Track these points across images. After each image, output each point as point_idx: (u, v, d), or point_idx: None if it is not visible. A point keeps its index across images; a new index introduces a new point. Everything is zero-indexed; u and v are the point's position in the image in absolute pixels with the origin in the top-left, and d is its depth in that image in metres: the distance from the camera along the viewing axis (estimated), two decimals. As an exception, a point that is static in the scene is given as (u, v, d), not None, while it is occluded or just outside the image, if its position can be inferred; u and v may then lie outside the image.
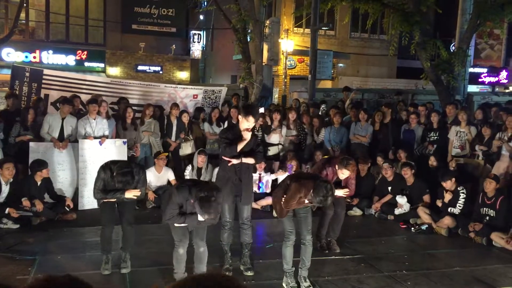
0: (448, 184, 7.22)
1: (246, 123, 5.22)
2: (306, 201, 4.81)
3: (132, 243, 5.41)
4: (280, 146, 9.41)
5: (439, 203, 7.38)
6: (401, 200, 7.75)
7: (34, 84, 9.42)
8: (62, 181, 8.07)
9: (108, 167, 5.16)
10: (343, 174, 5.58)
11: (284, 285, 5.01)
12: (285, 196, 4.86)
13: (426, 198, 7.70)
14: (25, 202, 6.88)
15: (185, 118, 9.36)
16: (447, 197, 7.22)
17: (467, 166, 8.46)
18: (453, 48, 14.15)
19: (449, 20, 16.09)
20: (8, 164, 6.88)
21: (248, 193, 5.41)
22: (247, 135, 5.25)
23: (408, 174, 7.83)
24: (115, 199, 5.19)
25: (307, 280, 4.98)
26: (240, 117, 5.33)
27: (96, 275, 5.17)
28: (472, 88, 17.99)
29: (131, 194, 5.14)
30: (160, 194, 8.10)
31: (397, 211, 7.80)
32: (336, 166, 5.62)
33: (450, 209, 7.17)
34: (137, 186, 5.21)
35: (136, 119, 8.91)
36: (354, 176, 6.05)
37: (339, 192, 5.50)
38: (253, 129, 5.44)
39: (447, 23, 17.44)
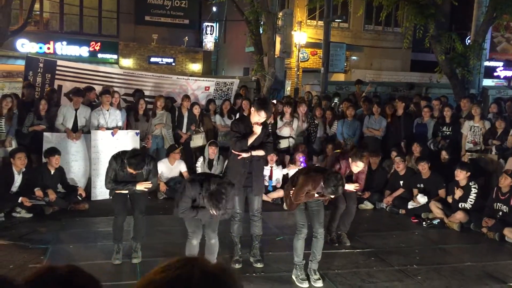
0: (461, 175, 7.13)
1: (257, 117, 5.19)
2: (316, 195, 4.80)
3: (143, 233, 5.45)
4: (291, 139, 9.38)
5: (449, 199, 7.30)
6: (422, 199, 7.65)
7: (47, 75, 9.49)
8: (75, 171, 8.14)
9: (119, 157, 5.20)
10: (357, 166, 5.56)
11: (293, 277, 5.01)
12: (293, 189, 4.86)
13: (442, 192, 7.62)
14: (38, 192, 6.96)
15: (196, 110, 9.37)
16: (458, 193, 7.15)
17: (480, 161, 8.36)
18: (468, 41, 13.97)
19: (465, 13, 15.87)
20: (20, 153, 6.95)
21: (259, 184, 5.41)
22: (258, 130, 5.24)
23: (425, 169, 7.75)
24: (126, 191, 5.23)
25: (317, 272, 4.98)
26: (252, 109, 5.31)
27: (107, 264, 5.22)
28: (487, 82, 17.76)
29: (142, 186, 5.19)
30: (172, 185, 8.13)
31: (411, 205, 7.73)
32: (350, 159, 5.60)
33: (461, 205, 7.10)
34: (148, 178, 5.25)
35: (148, 110, 8.94)
36: (365, 171, 6.02)
37: (350, 186, 5.48)
38: (264, 122, 5.39)
39: (462, 16, 17.20)
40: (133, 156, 5.04)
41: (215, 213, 4.33)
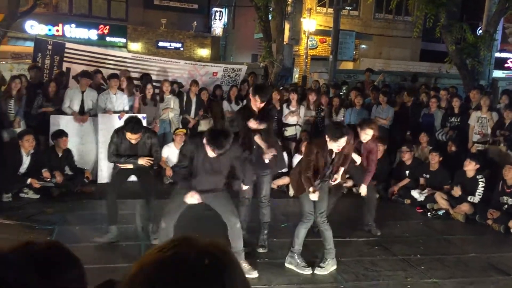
0: (470, 166, 7.11)
1: (254, 102, 5.19)
2: (331, 181, 4.83)
3: (152, 215, 5.49)
4: (298, 127, 9.36)
5: (456, 192, 7.22)
6: (418, 196, 7.66)
7: (56, 57, 9.51)
8: (82, 154, 8.18)
9: (121, 131, 5.29)
10: (367, 134, 5.59)
11: (291, 266, 5.02)
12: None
13: (446, 187, 7.59)
14: (45, 173, 7.02)
15: (205, 96, 9.37)
16: (457, 191, 7.12)
17: (488, 152, 8.32)
18: (479, 31, 13.80)
19: (476, 3, 15.66)
20: (28, 136, 6.99)
21: (264, 168, 5.37)
22: (252, 124, 5.18)
23: (435, 160, 7.72)
24: (129, 165, 5.30)
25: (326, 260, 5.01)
26: (250, 95, 5.32)
27: (112, 246, 5.27)
28: (497, 74, 17.58)
29: (144, 160, 5.28)
30: (177, 170, 8.16)
31: (415, 195, 7.70)
32: (359, 128, 5.61)
33: (470, 198, 7.07)
34: (150, 152, 5.35)
35: (155, 95, 8.95)
36: (375, 152, 5.96)
37: (356, 157, 5.59)
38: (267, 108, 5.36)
39: (474, 6, 16.98)
40: (130, 121, 5.18)
41: (214, 154, 4.28)
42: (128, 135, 5.20)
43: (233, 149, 4.54)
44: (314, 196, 4.80)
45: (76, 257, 1.15)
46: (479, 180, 7.10)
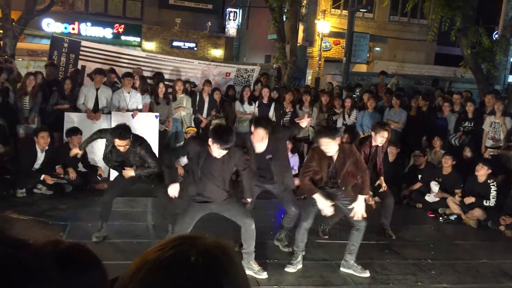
0: (482, 171, 7.04)
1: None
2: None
3: (165, 214, 5.54)
4: (311, 128, 9.36)
5: (468, 200, 7.15)
6: (435, 187, 7.60)
7: (72, 55, 9.62)
8: (95, 151, 8.23)
9: (105, 133, 5.47)
10: (382, 137, 5.61)
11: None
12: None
13: (458, 191, 7.53)
14: (59, 170, 7.09)
15: (217, 96, 9.41)
16: (469, 200, 7.06)
17: (500, 158, 8.24)
18: (495, 36, 13.68)
19: (493, 7, 15.52)
20: (43, 133, 7.08)
21: (280, 185, 5.27)
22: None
23: (448, 164, 7.66)
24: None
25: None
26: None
27: (124, 243, 5.33)
28: (513, 78, 17.38)
29: (128, 174, 5.26)
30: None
31: (428, 197, 7.66)
32: (373, 133, 5.62)
33: (486, 202, 7.00)
34: (143, 162, 5.29)
35: (168, 94, 9.00)
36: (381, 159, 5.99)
37: None
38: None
39: (491, 10, 16.83)
40: (118, 127, 5.19)
41: (221, 151, 4.27)
42: (117, 142, 5.12)
43: (237, 154, 4.58)
44: (328, 211, 4.82)
45: (99, 259, 1.17)
46: (491, 184, 7.03)
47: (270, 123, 5.27)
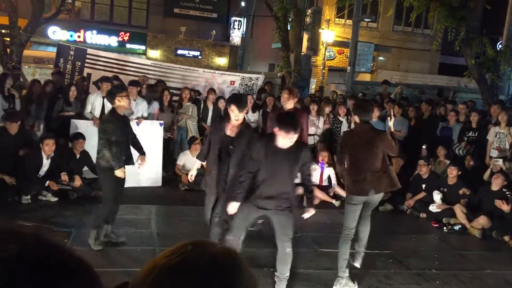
0: (498, 180, 7.01)
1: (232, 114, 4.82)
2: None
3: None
4: (317, 137, 9.38)
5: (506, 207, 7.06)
6: (437, 196, 7.59)
7: (77, 63, 9.69)
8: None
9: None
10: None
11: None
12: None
13: (463, 202, 7.50)
14: (64, 177, 7.12)
15: (221, 104, 9.44)
16: (506, 207, 6.95)
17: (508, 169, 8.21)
18: (500, 46, 13.71)
19: (497, 17, 15.55)
20: (49, 140, 7.10)
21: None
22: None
23: (453, 174, 7.65)
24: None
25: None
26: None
27: (129, 250, 5.34)
28: (517, 89, 17.37)
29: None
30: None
31: (432, 208, 7.65)
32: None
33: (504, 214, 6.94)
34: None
35: (173, 102, 9.05)
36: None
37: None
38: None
39: (495, 20, 16.85)
40: None
41: (290, 138, 4.03)
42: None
43: (304, 152, 4.34)
44: None
45: (83, 266, 0.85)
46: (507, 193, 6.99)
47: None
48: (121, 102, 5.20)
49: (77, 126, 8.10)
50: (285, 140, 4.10)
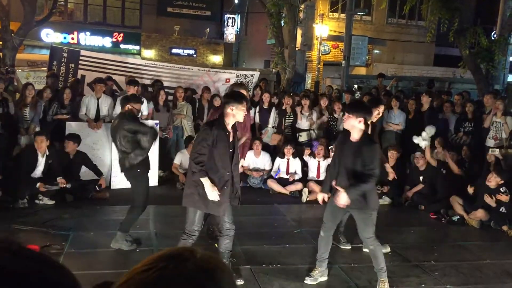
0: (493, 180, 6.98)
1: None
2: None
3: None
4: (312, 132, 9.38)
5: (490, 201, 7.05)
6: (424, 141, 7.57)
7: (71, 65, 9.66)
8: (97, 160, 8.26)
9: None
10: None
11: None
12: None
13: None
14: (60, 180, 7.05)
15: (217, 102, 9.39)
16: (504, 197, 6.94)
17: (506, 158, 8.21)
18: (494, 36, 13.69)
19: (491, 7, 15.55)
20: (40, 137, 7.05)
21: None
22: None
23: (452, 159, 7.67)
24: None
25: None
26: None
27: (127, 251, 5.32)
28: (512, 78, 17.40)
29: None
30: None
31: (417, 140, 7.59)
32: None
33: (502, 209, 6.93)
34: None
35: (168, 101, 9.02)
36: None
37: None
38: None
39: (488, 10, 16.86)
40: None
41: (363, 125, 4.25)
42: None
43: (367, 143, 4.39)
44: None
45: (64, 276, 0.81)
46: (503, 192, 6.96)
47: None
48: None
49: (72, 128, 8.08)
50: (359, 124, 4.29)
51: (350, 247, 5.71)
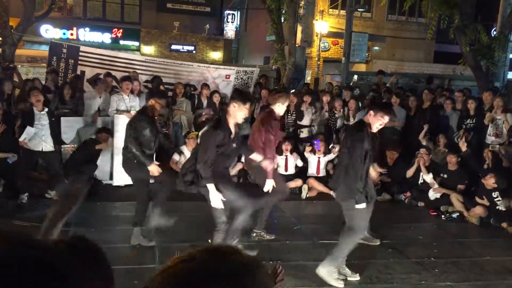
0: (489, 181, 6.98)
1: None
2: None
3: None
4: (313, 128, 9.38)
5: (480, 200, 7.09)
6: (427, 177, 7.59)
7: (70, 61, 9.64)
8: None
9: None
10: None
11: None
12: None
13: (461, 187, 7.52)
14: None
15: (216, 98, 9.41)
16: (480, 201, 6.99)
17: (506, 154, 8.20)
18: (494, 33, 13.67)
19: (491, 4, 15.53)
20: (36, 91, 6.80)
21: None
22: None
23: (452, 162, 7.64)
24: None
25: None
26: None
27: (126, 248, 5.32)
28: (512, 75, 17.39)
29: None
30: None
31: (431, 194, 7.62)
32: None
33: (499, 208, 6.94)
34: None
35: (168, 97, 9.00)
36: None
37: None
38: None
39: (489, 7, 16.84)
40: None
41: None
42: None
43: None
44: None
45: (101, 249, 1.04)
46: (495, 198, 6.95)
47: None
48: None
49: (68, 123, 8.05)
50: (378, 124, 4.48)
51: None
